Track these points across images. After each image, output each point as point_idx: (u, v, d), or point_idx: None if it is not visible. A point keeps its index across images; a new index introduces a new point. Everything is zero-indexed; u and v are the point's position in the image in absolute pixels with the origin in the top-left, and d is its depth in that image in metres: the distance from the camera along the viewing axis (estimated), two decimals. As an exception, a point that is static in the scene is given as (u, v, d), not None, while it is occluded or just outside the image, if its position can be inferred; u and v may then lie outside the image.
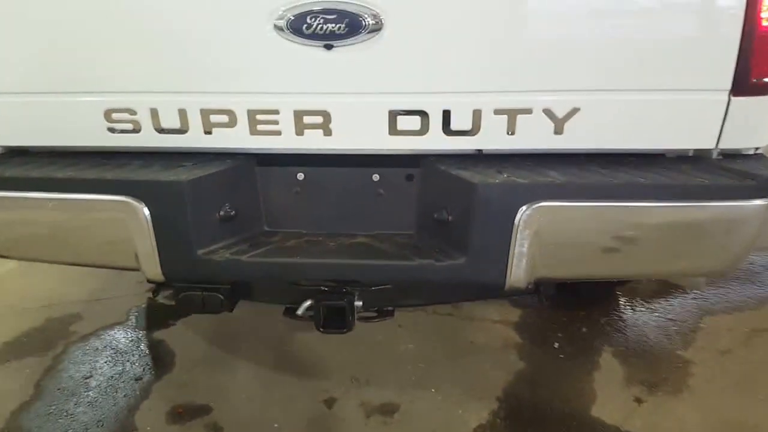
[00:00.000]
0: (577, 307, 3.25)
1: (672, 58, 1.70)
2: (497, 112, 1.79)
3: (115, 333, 3.28)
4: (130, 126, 1.88)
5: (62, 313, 3.51)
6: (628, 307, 3.32)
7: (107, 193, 1.78)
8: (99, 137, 1.91)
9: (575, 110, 1.77)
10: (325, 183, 1.99)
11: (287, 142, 1.87)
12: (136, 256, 1.86)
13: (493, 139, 1.83)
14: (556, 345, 3.03)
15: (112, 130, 1.89)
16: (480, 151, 1.91)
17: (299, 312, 2.06)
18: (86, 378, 2.89)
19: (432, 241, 1.90)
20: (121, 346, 3.17)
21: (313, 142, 1.86)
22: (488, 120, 1.80)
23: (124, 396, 2.76)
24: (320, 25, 1.66)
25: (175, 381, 2.88)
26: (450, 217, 1.83)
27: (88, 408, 2.68)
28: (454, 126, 1.81)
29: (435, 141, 1.83)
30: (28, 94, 1.88)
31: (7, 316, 3.49)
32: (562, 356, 2.96)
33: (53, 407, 2.69)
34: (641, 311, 3.28)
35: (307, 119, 1.83)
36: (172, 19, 1.74)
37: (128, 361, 3.03)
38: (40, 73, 1.84)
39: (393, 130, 1.82)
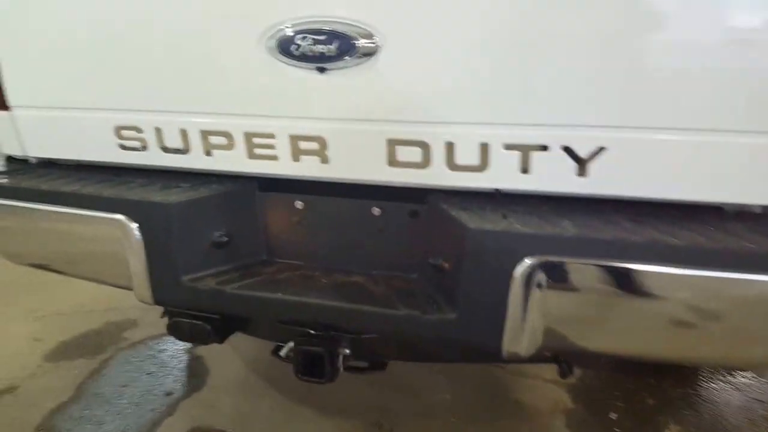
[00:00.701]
0: (645, 373, 2.86)
1: (731, 91, 1.42)
2: (508, 147, 1.59)
3: (161, 344, 3.37)
4: (138, 144, 1.90)
5: (122, 317, 3.68)
6: (707, 379, 2.88)
7: (103, 210, 1.79)
8: (113, 153, 1.95)
9: (601, 149, 1.53)
10: (325, 213, 1.89)
11: (284, 167, 1.79)
12: (130, 276, 1.86)
13: (504, 177, 1.63)
14: (614, 416, 2.68)
15: (123, 147, 1.92)
16: (498, 190, 1.72)
17: (282, 353, 1.96)
18: (123, 386, 2.98)
19: (428, 289, 1.73)
20: (163, 357, 3.25)
21: (310, 169, 1.77)
22: (498, 155, 1.61)
23: (152, 410, 2.80)
24: (310, 47, 1.58)
25: (202, 401, 2.89)
26: (446, 264, 1.65)
27: (116, 417, 2.75)
28: (459, 160, 1.64)
29: (439, 175, 1.67)
30: (54, 109, 1.96)
31: (74, 315, 3.72)
32: (618, 430, 2.60)
33: (86, 412, 2.79)
34: (722, 387, 2.83)
35: (303, 144, 1.74)
36: (167, 38, 1.73)
37: (165, 374, 3.09)
38: (65, 89, 1.91)
39: (392, 160, 1.68)
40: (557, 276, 1.48)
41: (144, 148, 1.90)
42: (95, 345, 3.37)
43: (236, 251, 1.90)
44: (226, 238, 1.85)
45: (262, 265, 1.94)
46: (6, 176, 1.97)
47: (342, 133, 1.70)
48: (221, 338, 2.00)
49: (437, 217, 1.69)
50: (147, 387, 2.98)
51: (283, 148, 1.76)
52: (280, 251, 1.96)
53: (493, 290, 1.51)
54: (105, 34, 1.79)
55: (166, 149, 1.88)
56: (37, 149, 2.06)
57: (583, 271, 1.46)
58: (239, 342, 3.34)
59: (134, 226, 1.77)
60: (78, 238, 1.88)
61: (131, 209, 1.77)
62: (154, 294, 1.86)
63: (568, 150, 1.55)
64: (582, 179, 1.57)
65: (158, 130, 1.86)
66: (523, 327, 1.53)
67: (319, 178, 1.79)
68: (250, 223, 1.92)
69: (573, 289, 1.49)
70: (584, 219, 1.55)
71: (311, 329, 1.85)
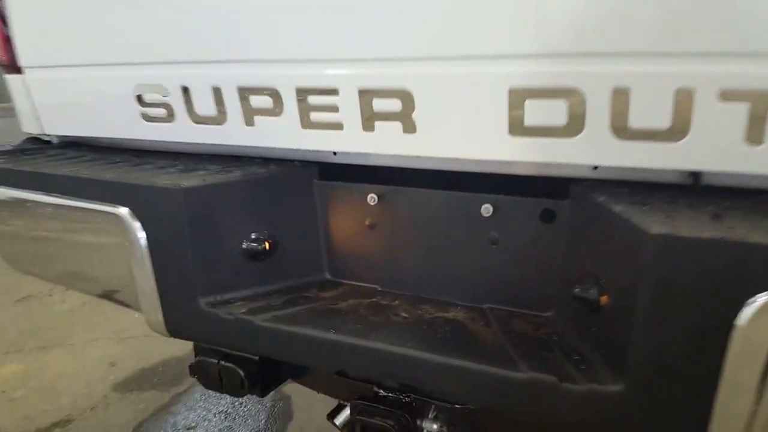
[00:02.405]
0: None
1: None
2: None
3: (242, 379, 2.94)
4: (162, 112, 1.43)
5: (210, 345, 3.31)
6: None
7: (95, 200, 1.33)
8: (136, 127, 1.50)
9: None
10: (408, 213, 1.29)
11: (352, 141, 1.24)
12: (136, 295, 1.39)
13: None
14: None
15: (146, 117, 1.47)
16: (696, 176, 1.04)
17: (337, 422, 1.39)
18: (188, 429, 2.56)
19: (571, 338, 1.07)
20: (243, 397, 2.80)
21: (388, 142, 1.20)
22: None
23: (213, 463, 2.34)
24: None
25: (276, 458, 2.38)
26: (603, 297, 0.98)
27: (173, 468, 2.32)
28: (636, 121, 0.98)
29: (597, 150, 1.02)
30: (69, 68, 1.56)
31: (161, 338, 3.41)
32: None
33: (140, 458, 2.39)
34: None
35: (378, 104, 1.17)
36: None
37: (241, 416, 2.63)
38: (80, 43, 1.51)
39: (517, 126, 1.06)
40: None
41: (170, 117, 1.43)
42: (173, 376, 3.01)
43: (281, 265, 1.36)
44: (266, 245, 1.32)
45: (319, 287, 1.38)
46: (4, 157, 1.59)
47: (437, 81, 1.11)
48: (263, 389, 1.47)
49: (590, 219, 1.04)
50: (216, 431, 2.53)
51: (349, 110, 1.20)
52: (345, 268, 1.40)
53: (696, 346, 0.83)
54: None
55: (197, 119, 1.39)
56: (54, 125, 1.67)
57: None
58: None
59: (135, 223, 1.29)
60: (66, 237, 1.44)
61: (130, 198, 1.29)
62: (166, 322, 1.37)
63: None
64: None
65: (185, 91, 1.37)
66: (749, 415, 0.83)
67: (402, 158, 1.22)
68: (303, 224, 1.38)
69: None
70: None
71: (380, 389, 1.26)
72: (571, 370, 0.97)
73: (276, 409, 2.69)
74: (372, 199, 1.31)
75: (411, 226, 1.30)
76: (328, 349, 1.15)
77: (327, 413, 1.54)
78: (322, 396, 2.81)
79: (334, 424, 1.46)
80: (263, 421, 2.60)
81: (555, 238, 1.13)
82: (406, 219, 1.30)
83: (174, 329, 1.38)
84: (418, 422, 1.25)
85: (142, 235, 1.29)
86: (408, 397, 1.26)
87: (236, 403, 2.73)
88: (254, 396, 2.75)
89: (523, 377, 0.97)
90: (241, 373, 1.41)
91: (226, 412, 2.67)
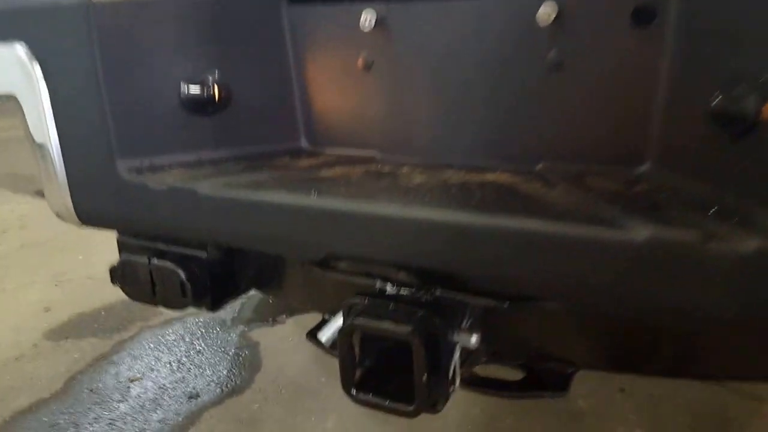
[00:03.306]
0: None
1: None
2: None
3: (203, 325, 2.55)
4: None
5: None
6: None
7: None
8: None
9: None
10: (421, 39, 0.90)
11: None
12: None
13: None
14: None
15: None
16: None
17: (323, 338, 1.02)
18: (132, 381, 2.17)
19: (695, 187, 0.71)
20: (200, 343, 2.41)
21: None
22: None
23: (160, 420, 1.96)
24: None
25: (237, 411, 2.00)
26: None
27: (106, 428, 1.93)
28: None
29: None
30: None
31: (104, 282, 2.99)
32: None
33: (64, 417, 1.98)
34: None
35: None
36: None
37: (196, 365, 2.25)
38: None
39: None
40: None
41: None
42: (118, 321, 2.61)
43: (237, 123, 0.97)
44: (214, 93, 0.92)
45: (291, 157, 0.99)
46: None
47: None
48: (214, 299, 1.11)
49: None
50: (165, 384, 2.14)
51: None
52: (329, 130, 1.01)
53: None
54: None
55: None
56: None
57: None
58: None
59: (35, 65, 0.89)
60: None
61: (24, 29, 0.89)
62: (75, 200, 0.98)
63: None
64: None
65: None
66: None
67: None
68: (268, 65, 0.98)
69: None
70: None
71: (386, 283, 0.91)
72: (716, 226, 0.60)
73: (241, 358, 2.31)
74: (367, 22, 0.91)
75: (424, 60, 0.90)
76: (310, 221, 0.77)
77: (306, 332, 1.17)
78: (298, 340, 2.46)
79: (317, 343, 1.09)
80: (224, 372, 2.22)
81: (655, 48, 0.75)
82: (417, 49, 0.90)
83: (85, 210, 0.98)
84: (448, 333, 0.88)
85: (40, 77, 0.88)
86: (430, 294, 0.88)
87: (191, 351, 2.35)
88: (213, 343, 2.39)
89: (640, 239, 0.60)
90: (182, 275, 1.03)
91: (178, 361, 2.29)
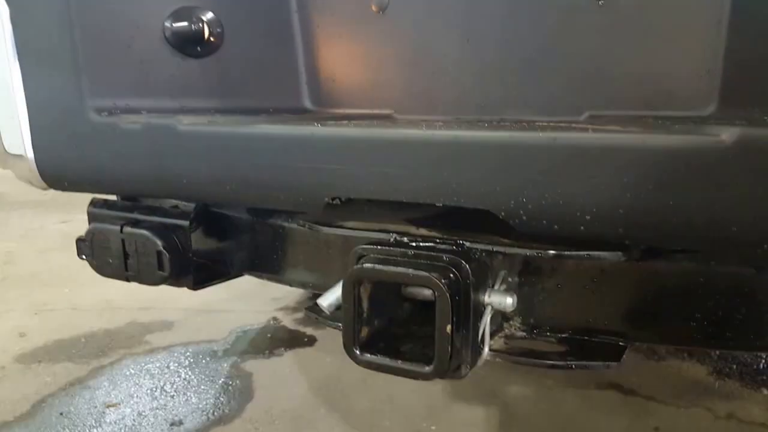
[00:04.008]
0: None
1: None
2: None
3: (191, 354, 2.36)
4: None
5: (155, 318, 2.72)
6: None
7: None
8: None
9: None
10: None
11: None
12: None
13: None
14: None
15: None
16: None
17: (324, 303, 0.91)
18: (108, 406, 1.97)
19: None
20: (186, 372, 2.21)
21: None
22: None
23: (138, 448, 1.75)
24: None
25: (225, 441, 1.80)
26: None
27: (80, 455, 1.72)
28: None
29: None
30: None
31: (90, 311, 2.82)
32: None
33: (35, 442, 1.78)
34: None
35: None
36: None
37: (181, 394, 2.05)
38: None
39: None
40: None
41: None
42: (100, 347, 2.42)
43: (228, 70, 0.85)
44: (203, 29, 0.81)
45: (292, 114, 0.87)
46: None
47: None
48: (197, 276, 0.98)
49: None
50: (144, 411, 1.94)
51: None
52: (336, 86, 0.90)
53: None
54: None
55: None
56: None
57: None
58: (312, 355, 2.31)
59: None
60: None
61: None
62: (37, 155, 0.85)
63: None
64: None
65: None
66: None
67: None
68: (267, 3, 0.86)
69: None
70: None
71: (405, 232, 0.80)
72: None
73: (231, 387, 2.11)
74: None
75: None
76: (311, 154, 0.64)
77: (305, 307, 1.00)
78: (297, 373, 2.26)
79: (315, 313, 0.93)
80: (212, 400, 2.02)
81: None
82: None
83: (49, 163, 0.84)
84: (479, 290, 0.75)
85: (3, 10, 0.76)
86: (457, 246, 0.77)
87: (176, 379, 2.15)
88: (201, 372, 2.19)
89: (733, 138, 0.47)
90: (158, 243, 0.89)
91: (161, 387, 2.09)
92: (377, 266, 0.76)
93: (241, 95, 0.91)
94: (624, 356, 0.87)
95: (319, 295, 1.00)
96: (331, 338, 2.46)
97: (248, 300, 2.91)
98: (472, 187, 0.68)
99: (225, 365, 2.27)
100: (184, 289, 2.87)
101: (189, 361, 2.30)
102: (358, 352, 0.81)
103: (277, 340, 2.50)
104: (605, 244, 0.81)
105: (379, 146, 0.68)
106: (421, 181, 0.70)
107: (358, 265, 0.78)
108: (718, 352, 2.17)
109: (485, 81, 0.86)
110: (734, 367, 2.11)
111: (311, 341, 2.47)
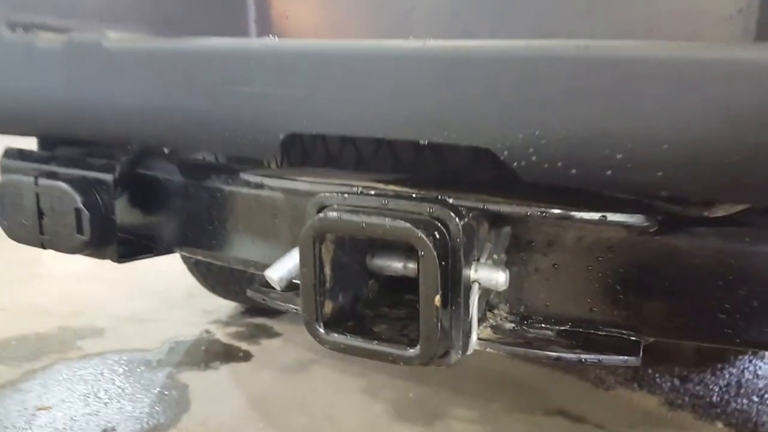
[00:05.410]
0: None
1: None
2: None
3: (125, 363, 2.32)
4: None
5: (85, 324, 2.67)
6: None
7: None
8: None
9: None
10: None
11: None
12: None
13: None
14: None
15: None
16: None
17: (273, 276, 0.77)
18: (39, 409, 1.93)
19: None
20: (120, 380, 2.18)
21: None
22: None
23: (67, 455, 1.72)
24: None
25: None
26: None
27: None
28: None
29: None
30: None
31: (19, 314, 2.74)
32: None
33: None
34: None
35: None
36: None
37: (114, 401, 2.02)
38: None
39: None
40: None
41: None
42: (31, 351, 2.36)
43: None
44: None
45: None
46: None
47: None
48: (123, 246, 0.90)
49: None
50: (77, 415, 1.91)
51: None
52: (293, 31, 0.88)
53: None
54: None
55: None
56: None
57: None
58: (251, 369, 2.30)
59: None
60: None
61: None
62: None
63: None
64: None
65: None
66: None
67: None
68: None
69: None
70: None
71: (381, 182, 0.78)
72: None
73: (167, 397, 2.09)
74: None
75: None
76: (265, 73, 0.62)
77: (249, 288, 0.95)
78: (234, 387, 2.25)
79: (262, 294, 0.89)
80: (146, 409, 2.00)
81: None
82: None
83: None
84: (468, 256, 0.68)
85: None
86: (439, 199, 0.69)
87: (110, 386, 2.12)
88: (135, 381, 2.16)
89: None
90: (77, 199, 0.82)
91: (95, 394, 2.06)
92: (344, 216, 0.65)
93: (181, 29, 0.85)
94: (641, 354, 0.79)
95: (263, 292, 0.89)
96: (268, 355, 2.46)
97: (178, 311, 2.85)
98: (467, 116, 0.60)
99: (160, 375, 2.25)
100: (112, 296, 2.83)
101: (123, 369, 2.27)
102: (322, 330, 0.70)
103: (212, 353, 2.48)
104: (623, 204, 0.71)
105: (351, 64, 0.61)
106: (403, 110, 0.63)
107: (321, 215, 0.68)
108: (669, 383, 2.23)
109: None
110: (686, 398, 2.14)
111: (247, 356, 2.45)
